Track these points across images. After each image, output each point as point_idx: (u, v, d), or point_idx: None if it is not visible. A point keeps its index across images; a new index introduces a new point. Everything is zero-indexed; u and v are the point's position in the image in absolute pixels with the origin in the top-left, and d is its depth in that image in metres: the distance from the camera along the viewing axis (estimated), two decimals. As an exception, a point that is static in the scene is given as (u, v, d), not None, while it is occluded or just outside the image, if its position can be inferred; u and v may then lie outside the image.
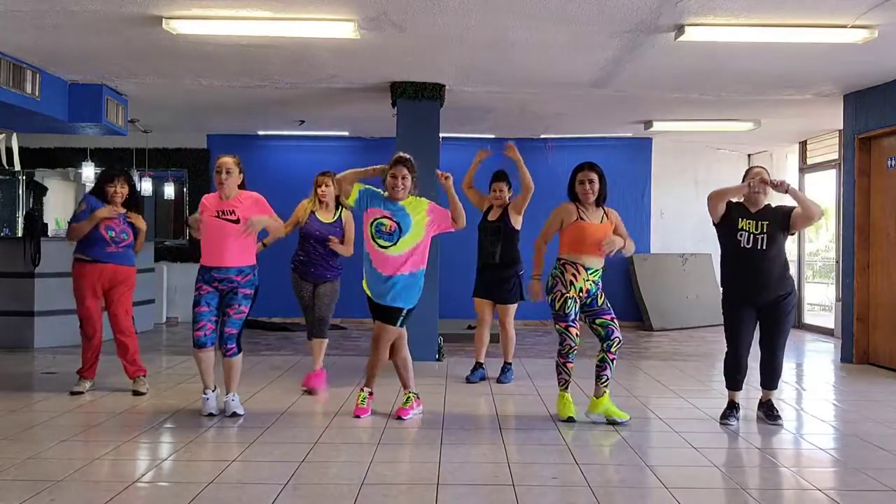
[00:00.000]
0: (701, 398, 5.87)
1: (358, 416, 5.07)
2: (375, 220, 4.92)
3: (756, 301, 4.94)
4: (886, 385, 6.58)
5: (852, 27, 5.52)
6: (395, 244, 4.88)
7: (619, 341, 4.99)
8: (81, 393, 5.69)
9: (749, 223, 4.92)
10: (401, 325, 5.04)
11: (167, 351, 8.27)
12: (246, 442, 4.47)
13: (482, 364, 6.48)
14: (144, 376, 5.89)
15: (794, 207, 4.94)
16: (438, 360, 7.43)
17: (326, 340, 6.12)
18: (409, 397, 5.21)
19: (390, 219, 4.89)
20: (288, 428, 4.85)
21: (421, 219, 4.94)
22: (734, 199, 5.08)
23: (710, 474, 4.05)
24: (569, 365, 5.04)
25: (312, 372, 6.00)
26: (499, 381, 6.37)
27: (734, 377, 5.09)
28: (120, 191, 5.77)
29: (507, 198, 6.40)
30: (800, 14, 5.35)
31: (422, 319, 7.08)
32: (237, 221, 5.00)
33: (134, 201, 5.91)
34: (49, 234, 9.01)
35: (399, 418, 5.04)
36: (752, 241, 4.88)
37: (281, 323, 10.15)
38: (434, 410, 5.32)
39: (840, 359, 7.92)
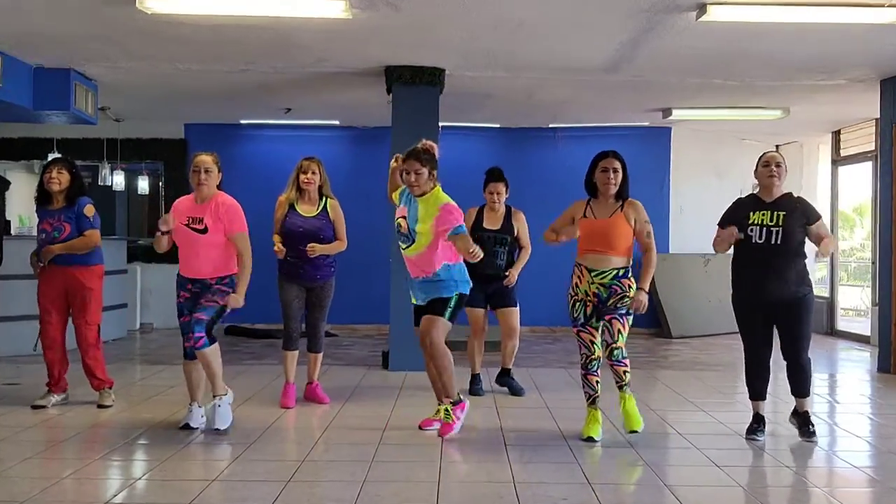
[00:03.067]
0: (724, 412, 5.87)
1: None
2: (396, 220, 5.03)
3: (770, 302, 4.90)
4: (927, 397, 6.58)
5: (889, 6, 5.51)
6: (410, 245, 4.93)
7: (608, 346, 4.91)
8: (44, 407, 5.67)
9: (762, 215, 4.86)
10: (450, 318, 5.01)
11: (141, 360, 8.27)
12: (227, 459, 4.47)
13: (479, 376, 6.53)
14: (110, 388, 5.86)
15: (817, 216, 4.94)
16: (437, 369, 7.42)
17: (321, 354, 6.06)
18: (446, 409, 5.09)
19: (405, 219, 4.95)
20: (273, 444, 4.85)
21: (429, 219, 4.85)
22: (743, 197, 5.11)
23: (734, 495, 4.05)
24: (590, 377, 4.95)
25: (287, 385, 5.91)
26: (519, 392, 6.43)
27: (754, 384, 5.06)
28: (57, 176, 5.65)
29: (504, 201, 6.36)
30: (832, -9, 5.37)
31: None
32: (204, 231, 4.99)
33: (77, 190, 5.76)
34: (12, 232, 9.02)
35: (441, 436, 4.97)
36: (765, 234, 4.83)
37: (265, 330, 10.14)
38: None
39: (877, 368, 7.92)
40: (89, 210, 5.76)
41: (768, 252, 4.83)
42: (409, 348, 7.41)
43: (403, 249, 4.99)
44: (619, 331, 4.89)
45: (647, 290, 4.85)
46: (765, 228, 4.83)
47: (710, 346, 9.57)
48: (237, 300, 5.01)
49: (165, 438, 4.90)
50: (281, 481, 4.04)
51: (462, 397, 5.17)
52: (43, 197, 5.78)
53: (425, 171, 4.86)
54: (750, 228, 4.87)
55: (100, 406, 5.75)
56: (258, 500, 3.74)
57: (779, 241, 4.80)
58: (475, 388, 6.42)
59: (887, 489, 4.11)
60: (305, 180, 5.75)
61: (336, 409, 5.76)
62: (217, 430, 5.01)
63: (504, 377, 6.51)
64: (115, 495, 3.94)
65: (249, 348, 9.03)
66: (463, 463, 4.45)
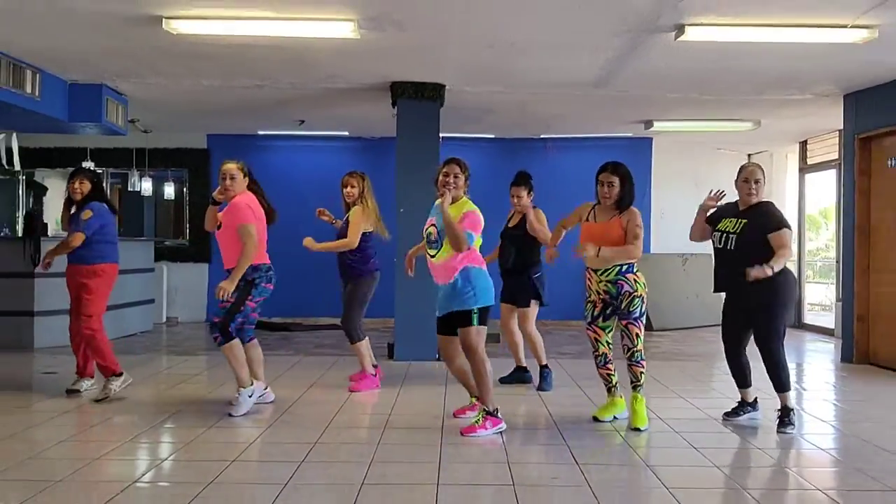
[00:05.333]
0: (701, 398, 5.87)
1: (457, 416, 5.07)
2: (426, 229, 4.76)
3: (737, 300, 4.93)
4: (887, 385, 6.57)
5: (852, 27, 5.51)
6: (438, 252, 4.68)
7: (629, 349, 4.87)
8: (78, 391, 5.64)
9: (729, 222, 4.85)
10: (480, 322, 4.65)
11: (167, 351, 8.26)
12: (246, 442, 4.47)
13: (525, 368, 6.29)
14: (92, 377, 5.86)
15: (775, 226, 4.67)
16: (438, 359, 7.41)
17: (353, 345, 6.02)
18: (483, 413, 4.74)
19: (434, 226, 4.70)
20: (288, 428, 4.84)
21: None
22: (717, 206, 5.04)
23: (710, 474, 4.04)
24: (600, 371, 5.01)
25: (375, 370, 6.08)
26: (541, 388, 6.08)
27: (734, 376, 5.10)
28: (79, 187, 5.65)
29: (525, 203, 6.01)
30: (800, 14, 5.35)
31: (421, 319, 7.07)
32: (219, 227, 5.12)
33: (99, 198, 5.71)
34: (49, 233, 9.00)
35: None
36: (723, 240, 4.83)
37: (281, 323, 10.14)
38: (434, 411, 5.30)
39: (840, 359, 7.92)
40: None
41: (727, 256, 4.83)
42: (413, 340, 7.42)
43: (431, 257, 4.70)
44: (636, 334, 4.87)
45: (593, 251, 4.70)
46: (724, 235, 4.83)
47: (688, 338, 9.56)
48: (220, 287, 4.93)
49: (189, 423, 4.90)
50: (295, 461, 4.04)
51: (500, 415, 4.74)
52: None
53: (462, 177, 4.76)
54: (715, 232, 4.90)
55: (71, 391, 5.67)
56: (275, 480, 3.74)
57: (732, 247, 4.77)
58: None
59: (851, 469, 4.10)
60: (347, 193, 5.95)
61: (345, 396, 5.76)
62: (230, 414, 5.04)
63: (545, 379, 6.15)
64: (143, 475, 3.94)
65: (266, 340, 8.99)
66: (463, 445, 4.44)
